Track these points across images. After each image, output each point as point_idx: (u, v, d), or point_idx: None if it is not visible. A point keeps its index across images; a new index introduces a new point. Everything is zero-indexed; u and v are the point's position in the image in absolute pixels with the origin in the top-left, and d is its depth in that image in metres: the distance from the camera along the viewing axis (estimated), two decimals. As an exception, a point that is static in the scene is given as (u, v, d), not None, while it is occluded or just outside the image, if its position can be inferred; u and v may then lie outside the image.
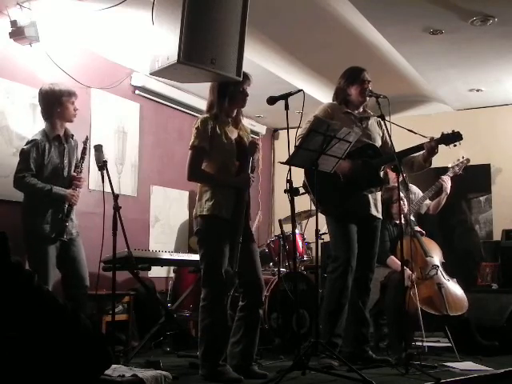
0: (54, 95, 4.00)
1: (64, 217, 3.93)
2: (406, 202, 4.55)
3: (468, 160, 4.97)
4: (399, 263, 4.46)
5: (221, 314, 3.37)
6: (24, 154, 3.93)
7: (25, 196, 4.00)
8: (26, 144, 3.98)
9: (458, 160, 4.98)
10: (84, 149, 4.08)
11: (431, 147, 3.83)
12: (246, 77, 3.51)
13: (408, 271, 4.13)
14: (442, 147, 3.88)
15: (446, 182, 4.95)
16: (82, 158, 4.09)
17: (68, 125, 4.13)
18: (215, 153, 3.45)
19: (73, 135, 4.16)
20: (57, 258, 3.94)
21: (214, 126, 3.44)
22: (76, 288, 3.97)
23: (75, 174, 4.04)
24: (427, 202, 5.14)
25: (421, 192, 5.22)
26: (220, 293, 3.37)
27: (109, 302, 4.02)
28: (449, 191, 4.97)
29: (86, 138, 4.14)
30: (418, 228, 4.81)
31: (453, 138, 3.85)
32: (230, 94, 3.47)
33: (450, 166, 5.01)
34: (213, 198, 3.41)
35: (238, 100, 3.52)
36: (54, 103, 3.99)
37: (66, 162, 4.04)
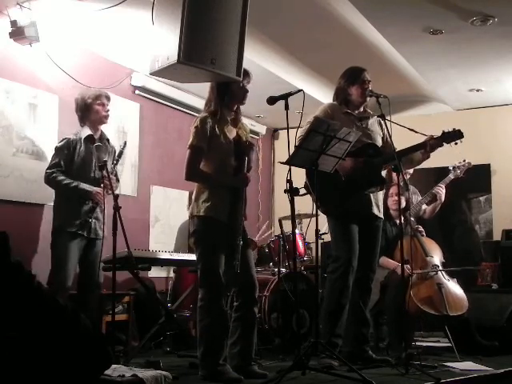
0: (82, 100, 4.15)
1: (88, 213, 3.97)
2: (403, 200, 4.55)
3: (470, 163, 4.96)
4: (393, 262, 4.50)
5: (219, 313, 3.36)
6: (56, 151, 4.09)
7: (55, 193, 4.10)
8: (60, 141, 4.13)
9: (460, 163, 4.96)
10: (120, 152, 4.15)
11: (434, 145, 3.85)
12: (246, 73, 3.50)
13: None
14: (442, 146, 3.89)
15: (441, 191, 4.95)
16: (117, 161, 4.16)
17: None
18: (213, 152, 3.44)
19: (108, 139, 4.26)
20: (79, 257, 4.00)
21: (213, 125, 3.43)
22: (89, 288, 4.04)
23: (106, 174, 4.05)
24: (424, 206, 5.14)
25: (420, 195, 5.23)
26: (217, 293, 3.37)
27: (109, 302, 4.02)
28: (443, 199, 4.97)
29: (125, 143, 4.18)
30: (419, 227, 4.81)
31: (454, 135, 3.86)
32: (230, 90, 3.47)
33: (451, 167, 4.99)
34: (210, 200, 3.41)
35: (238, 96, 3.51)
36: (82, 108, 4.15)
37: (96, 163, 4.09)
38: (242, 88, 3.50)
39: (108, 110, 4.18)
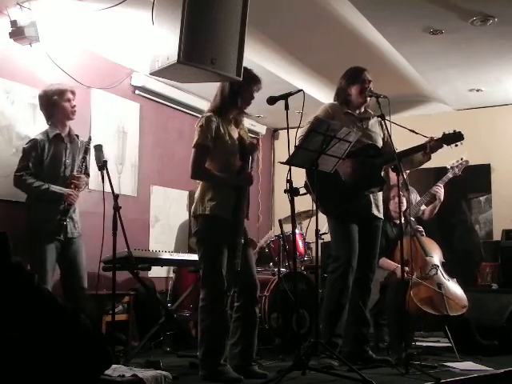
0: (46, 97, 4.07)
1: (62, 216, 3.94)
2: (404, 201, 4.55)
3: (467, 162, 4.96)
4: (393, 263, 4.50)
5: (220, 314, 3.37)
6: (24, 153, 4.01)
7: (26, 195, 4.03)
8: (27, 143, 4.04)
9: (458, 161, 4.97)
10: (86, 149, 4.09)
11: (434, 147, 3.85)
12: (258, 80, 3.52)
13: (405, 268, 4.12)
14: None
15: (439, 190, 4.95)
16: (84, 158, 4.11)
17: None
18: (218, 152, 3.45)
19: (78, 135, 4.19)
20: (57, 258, 3.95)
21: (218, 125, 3.45)
22: (73, 289, 3.99)
23: (75, 173, 4.05)
24: (423, 207, 5.14)
25: (419, 196, 5.23)
26: (219, 293, 3.37)
27: (109, 302, 4.02)
28: (442, 199, 4.97)
29: (89, 139, 4.13)
30: (419, 227, 4.81)
31: (454, 137, 3.87)
32: (239, 92, 3.47)
33: (449, 166, 4.99)
34: (215, 198, 3.41)
35: (246, 100, 3.52)
36: (48, 104, 4.06)
37: (68, 161, 4.07)
38: (250, 92, 3.51)
39: (74, 106, 4.09)
